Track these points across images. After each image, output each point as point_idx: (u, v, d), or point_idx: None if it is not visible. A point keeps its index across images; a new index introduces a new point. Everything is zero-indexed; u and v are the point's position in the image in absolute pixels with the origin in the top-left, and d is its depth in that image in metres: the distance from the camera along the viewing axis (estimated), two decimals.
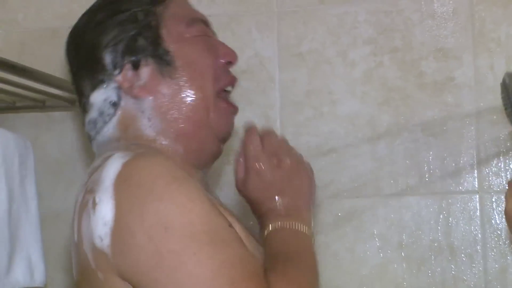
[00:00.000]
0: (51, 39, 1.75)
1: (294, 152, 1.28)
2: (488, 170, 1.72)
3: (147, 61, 1.20)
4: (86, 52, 1.24)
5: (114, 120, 1.22)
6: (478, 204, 1.71)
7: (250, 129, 1.26)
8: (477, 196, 1.70)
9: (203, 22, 1.27)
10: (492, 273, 1.70)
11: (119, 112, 1.21)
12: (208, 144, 1.24)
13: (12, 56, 1.59)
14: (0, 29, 1.84)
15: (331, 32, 1.72)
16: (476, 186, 1.71)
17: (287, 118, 1.71)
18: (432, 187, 1.76)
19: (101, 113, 1.22)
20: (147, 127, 1.20)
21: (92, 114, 1.23)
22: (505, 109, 1.40)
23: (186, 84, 1.20)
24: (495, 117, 1.69)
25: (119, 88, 1.20)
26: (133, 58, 1.20)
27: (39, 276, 1.58)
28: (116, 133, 1.21)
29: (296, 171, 1.25)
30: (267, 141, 1.24)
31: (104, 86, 1.21)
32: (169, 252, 1.02)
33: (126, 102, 1.21)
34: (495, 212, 1.71)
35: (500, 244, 1.70)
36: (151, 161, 1.11)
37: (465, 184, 1.73)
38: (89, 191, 1.10)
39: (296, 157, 1.28)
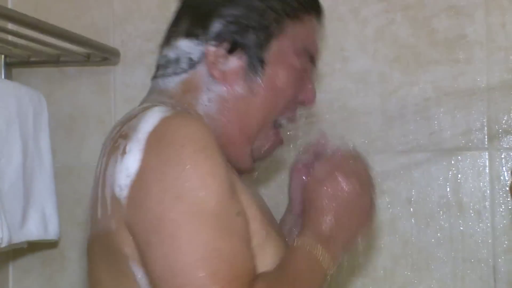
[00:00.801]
0: None
1: (371, 189, 1.25)
2: (498, 127, 1.70)
3: (242, 56, 1.20)
4: (204, 7, 1.24)
5: (183, 76, 1.22)
6: (487, 161, 1.71)
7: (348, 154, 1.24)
8: (487, 153, 1.70)
9: (312, 58, 1.26)
10: (500, 229, 1.71)
11: (191, 72, 1.21)
12: (243, 159, 1.25)
13: (27, 11, 1.59)
14: None
15: None
16: (486, 143, 1.70)
17: None
18: (442, 143, 1.76)
19: (177, 60, 1.23)
20: (203, 105, 1.20)
21: (170, 53, 1.24)
22: None
23: (258, 100, 1.20)
24: (506, 75, 1.67)
25: (204, 56, 1.20)
26: (234, 43, 1.20)
27: (52, 229, 1.62)
28: (175, 90, 1.21)
29: (359, 210, 1.22)
30: (354, 161, 1.22)
31: (195, 42, 1.22)
32: (170, 220, 1.03)
33: (201, 71, 1.21)
34: (504, 169, 1.71)
35: (508, 201, 1.70)
36: (188, 122, 1.11)
37: (475, 141, 1.72)
38: (123, 136, 1.11)
39: (371, 197, 1.24)
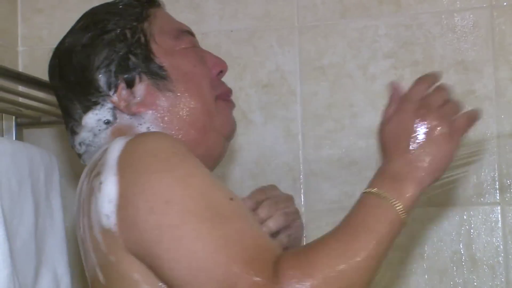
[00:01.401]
0: None
1: (453, 117, 1.12)
2: (510, 182, 1.70)
3: (141, 78, 1.21)
4: (76, 75, 1.24)
5: (107, 132, 1.22)
6: (499, 216, 1.70)
7: (429, 77, 1.14)
8: (499, 207, 1.69)
9: (189, 33, 1.28)
10: None
11: (113, 125, 1.22)
12: (214, 147, 1.25)
13: (37, 73, 1.62)
14: (26, 46, 1.87)
15: (351, 46, 1.73)
16: (498, 198, 1.69)
17: (308, 131, 1.71)
18: (454, 198, 1.75)
19: (94, 134, 1.23)
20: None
21: (83, 135, 1.24)
22: None
23: (185, 95, 1.21)
24: None
25: (114, 108, 1.21)
26: (126, 77, 1.21)
27: (65, 285, 1.59)
28: (111, 138, 1.20)
29: (441, 141, 1.09)
30: (437, 93, 1.12)
31: (98, 107, 1.22)
32: (169, 226, 1.03)
33: (122, 119, 1.22)
34: None
35: None
36: (153, 137, 1.12)
37: (487, 195, 1.72)
38: (95, 175, 1.11)
39: (452, 124, 1.11)
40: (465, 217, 1.71)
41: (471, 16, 1.71)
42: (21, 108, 1.65)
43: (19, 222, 1.45)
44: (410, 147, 1.05)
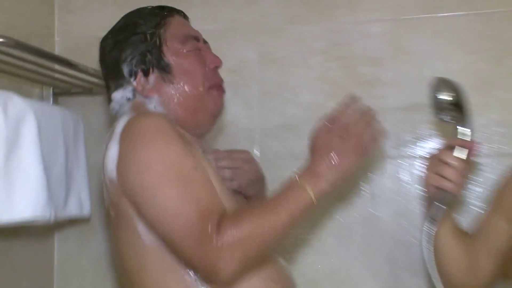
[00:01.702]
0: (96, 44, 1.77)
1: (363, 126, 1.17)
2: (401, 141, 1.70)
3: (154, 71, 1.23)
4: (111, 64, 1.27)
5: (129, 105, 1.25)
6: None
7: (347, 102, 1.18)
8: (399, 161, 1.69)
9: (195, 38, 1.28)
10: None
11: (132, 101, 1.25)
12: (203, 123, 1.27)
13: (69, 55, 1.66)
14: (60, 36, 1.86)
15: (296, 44, 1.74)
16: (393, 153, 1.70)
17: (263, 104, 1.73)
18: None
19: (120, 105, 1.26)
20: (153, 109, 1.24)
21: (113, 105, 1.27)
22: (432, 105, 1.27)
23: (182, 87, 1.23)
24: (408, 104, 1.67)
25: (134, 89, 1.24)
26: (143, 68, 1.24)
27: (86, 209, 1.65)
28: (129, 111, 1.24)
29: (350, 149, 1.15)
30: (353, 120, 1.16)
31: (123, 88, 1.25)
32: (149, 184, 1.08)
33: (138, 98, 1.24)
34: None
35: None
36: (147, 118, 1.15)
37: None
38: (108, 139, 1.17)
39: (361, 134, 1.16)
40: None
41: (381, 25, 1.73)
42: (57, 82, 1.66)
43: (54, 162, 1.48)
44: (329, 157, 1.12)
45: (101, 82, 1.60)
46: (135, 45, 1.25)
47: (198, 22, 1.41)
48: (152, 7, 1.28)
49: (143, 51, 1.24)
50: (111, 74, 1.28)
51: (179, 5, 1.38)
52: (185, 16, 1.31)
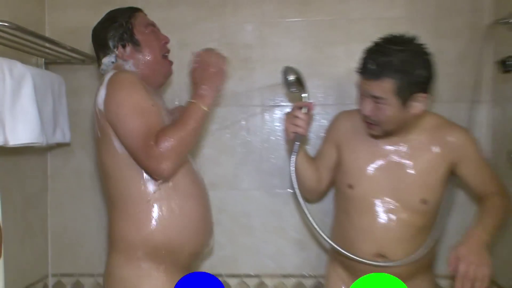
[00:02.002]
0: (74, 32, 1.73)
1: (219, 62, 1.19)
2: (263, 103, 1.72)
3: (129, 44, 1.25)
4: (101, 41, 1.27)
5: (112, 66, 1.25)
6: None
7: (208, 48, 1.22)
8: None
9: (152, 24, 1.28)
10: None
11: (115, 64, 1.25)
12: (160, 79, 1.28)
13: (55, 37, 1.62)
14: (49, 25, 1.77)
15: (201, 35, 1.70)
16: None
17: (179, 73, 1.60)
18: None
19: (107, 66, 1.26)
20: (128, 68, 1.24)
21: (103, 66, 1.26)
22: (283, 83, 1.35)
23: (147, 54, 1.25)
24: (273, 80, 1.67)
25: (116, 56, 1.25)
26: (122, 43, 1.25)
27: (67, 137, 1.66)
28: (112, 70, 1.22)
29: (214, 76, 1.17)
30: (208, 55, 1.19)
31: (109, 56, 1.26)
32: (121, 115, 1.11)
33: (119, 62, 1.25)
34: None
35: None
36: (124, 74, 1.16)
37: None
38: (99, 86, 1.18)
39: (218, 66, 1.17)
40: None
41: (250, 24, 1.73)
42: (47, 54, 1.61)
43: (45, 107, 1.49)
44: (202, 84, 1.18)
45: (77, 56, 1.62)
46: (116, 29, 1.24)
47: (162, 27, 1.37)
48: (125, 7, 1.29)
49: (121, 32, 1.23)
50: (101, 48, 1.26)
51: (138, 5, 1.38)
52: (144, 13, 1.32)
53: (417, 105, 1.24)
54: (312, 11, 1.69)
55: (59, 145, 1.78)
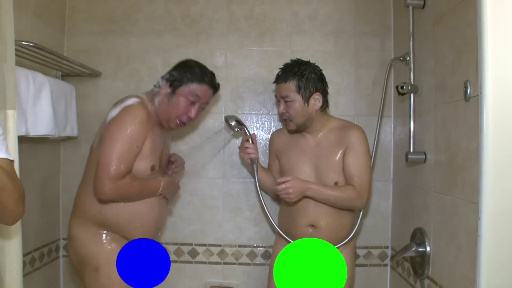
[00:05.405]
0: (85, 52, 1.90)
1: (176, 188, 1.39)
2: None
3: (170, 88, 1.35)
4: (176, 68, 1.37)
5: (156, 89, 1.34)
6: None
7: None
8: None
9: (198, 97, 1.35)
10: None
11: (157, 89, 1.34)
12: (167, 126, 1.37)
13: (70, 56, 1.83)
14: (67, 46, 1.90)
15: (182, 58, 1.61)
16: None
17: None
18: None
19: (155, 86, 1.34)
20: (155, 102, 1.33)
21: (155, 83, 1.35)
22: (228, 126, 1.54)
23: (170, 108, 1.32)
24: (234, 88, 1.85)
25: (160, 87, 1.34)
26: (169, 83, 1.35)
27: (75, 132, 1.79)
28: (152, 94, 1.33)
29: (175, 193, 1.39)
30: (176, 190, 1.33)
31: (162, 79, 1.36)
32: (113, 136, 1.20)
33: (157, 90, 1.34)
34: None
35: None
36: (140, 110, 1.23)
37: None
38: (119, 103, 1.25)
39: (176, 190, 1.39)
40: None
41: (220, 51, 1.90)
42: (64, 69, 1.74)
43: (59, 108, 1.60)
44: (171, 190, 1.36)
45: (85, 70, 1.77)
46: (180, 72, 1.35)
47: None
48: (200, 69, 1.37)
49: (178, 78, 1.34)
50: (170, 71, 1.39)
51: None
52: (214, 89, 1.37)
53: (315, 103, 1.44)
54: (266, 43, 1.88)
55: (69, 138, 1.89)
